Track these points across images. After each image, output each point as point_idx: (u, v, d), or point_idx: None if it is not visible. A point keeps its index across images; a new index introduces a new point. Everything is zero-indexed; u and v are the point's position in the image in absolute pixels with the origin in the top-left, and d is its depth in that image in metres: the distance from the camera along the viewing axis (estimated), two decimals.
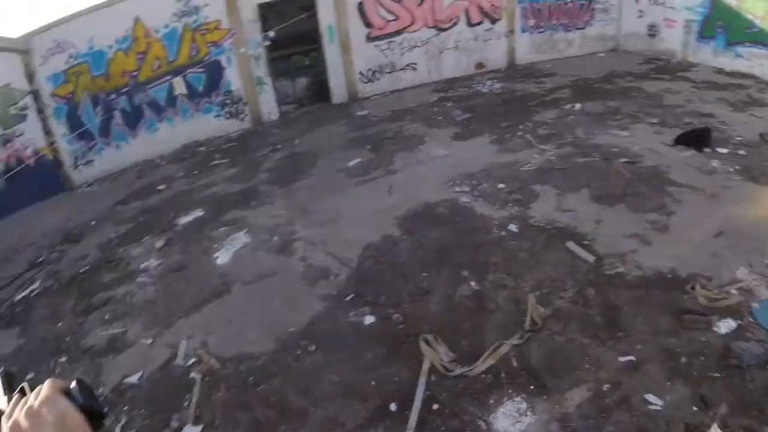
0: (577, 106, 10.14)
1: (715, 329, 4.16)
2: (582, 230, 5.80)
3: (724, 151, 7.35)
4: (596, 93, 11.04)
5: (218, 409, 4.27)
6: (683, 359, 3.89)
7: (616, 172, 7.02)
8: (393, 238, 6.23)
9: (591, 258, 5.26)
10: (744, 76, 11.49)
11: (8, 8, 11.88)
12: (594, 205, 6.34)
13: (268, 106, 13.37)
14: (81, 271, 7.35)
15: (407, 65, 14.21)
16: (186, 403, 4.40)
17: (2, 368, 0.95)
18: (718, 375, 3.71)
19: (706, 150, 7.47)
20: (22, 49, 11.37)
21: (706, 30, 13.41)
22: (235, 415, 4.20)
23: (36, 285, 7.35)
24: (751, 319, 4.23)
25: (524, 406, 3.76)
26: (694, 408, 3.47)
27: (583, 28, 15.76)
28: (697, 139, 7.69)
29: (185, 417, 4.27)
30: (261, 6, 12.45)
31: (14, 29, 11.34)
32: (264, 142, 11.44)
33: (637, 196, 6.38)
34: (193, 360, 4.91)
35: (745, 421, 3.35)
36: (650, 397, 3.60)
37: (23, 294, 7.21)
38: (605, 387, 3.75)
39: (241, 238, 7.03)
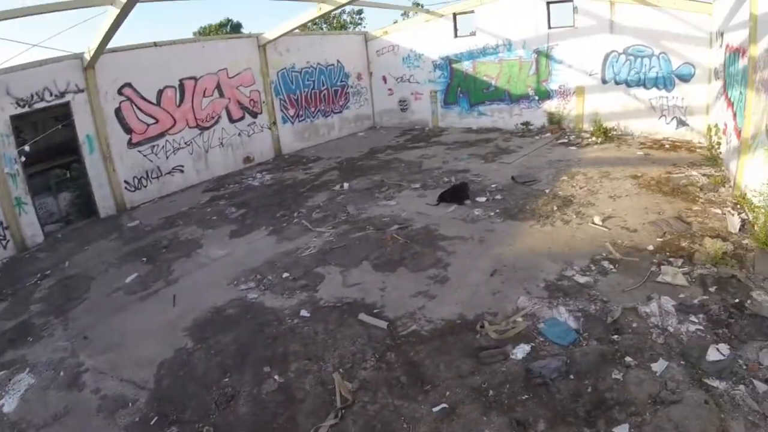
0: (345, 185, 10.79)
1: (513, 357, 4.66)
2: (370, 300, 6.17)
3: (483, 199, 8.43)
4: (361, 170, 11.83)
5: None
6: (491, 392, 4.26)
7: (390, 240, 7.52)
8: (186, 350, 6.05)
9: (384, 324, 5.60)
10: (489, 130, 13.19)
11: None
12: (377, 274, 6.79)
13: (31, 228, 12.15)
14: None
15: (174, 168, 14.03)
16: None
17: None
18: (528, 396, 4.13)
19: (467, 202, 8.49)
20: None
21: (450, 97, 15.88)
22: None
23: None
24: (542, 339, 4.83)
25: None
26: None
27: (341, 112, 17.27)
28: (457, 194, 8.67)
29: None
30: (13, 118, 11.45)
31: None
32: (31, 270, 10.43)
33: (414, 257, 7.01)
34: None
35: (564, 429, 3.77)
36: None
37: None
38: None
39: (25, 380, 6.28)
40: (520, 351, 4.74)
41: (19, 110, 11.43)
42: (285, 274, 7.29)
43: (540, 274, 6.02)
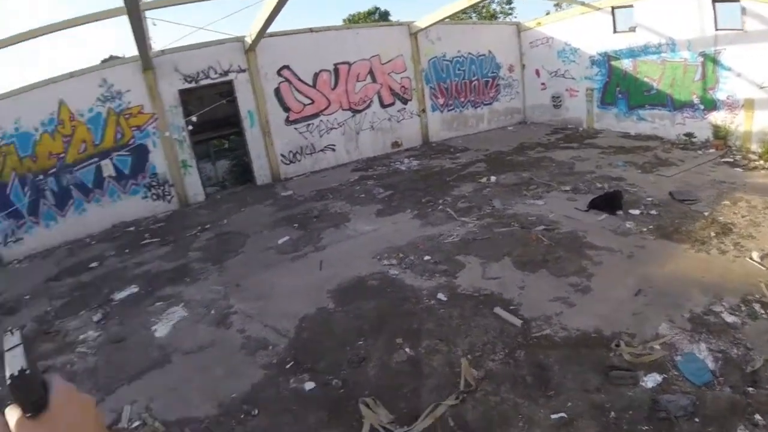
0: (492, 178, 10.75)
1: (642, 384, 4.41)
2: (508, 296, 6.13)
3: (636, 212, 8.00)
4: (509, 165, 11.73)
5: None
6: (613, 414, 4.08)
7: (535, 240, 7.46)
8: (328, 310, 6.42)
9: (518, 322, 5.54)
10: (648, 138, 12.44)
11: None
12: (517, 271, 6.72)
13: (194, 187, 13.47)
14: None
15: (326, 146, 14.79)
16: None
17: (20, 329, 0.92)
18: (648, 428, 3.91)
19: (619, 213, 8.05)
20: None
21: (607, 97, 14.59)
22: None
23: None
24: (675, 372, 4.51)
25: None
26: None
27: (491, 104, 16.96)
28: (609, 202, 8.25)
29: None
30: (181, 92, 12.81)
31: None
32: (192, 222, 11.48)
33: (557, 261, 6.82)
34: (137, 423, 4.93)
35: None
36: None
37: None
38: None
39: (179, 312, 7.06)
40: (651, 380, 4.47)
41: (187, 85, 12.82)
42: (426, 257, 7.45)
43: (686, 304, 5.55)
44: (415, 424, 4.30)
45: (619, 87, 14.44)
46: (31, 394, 0.81)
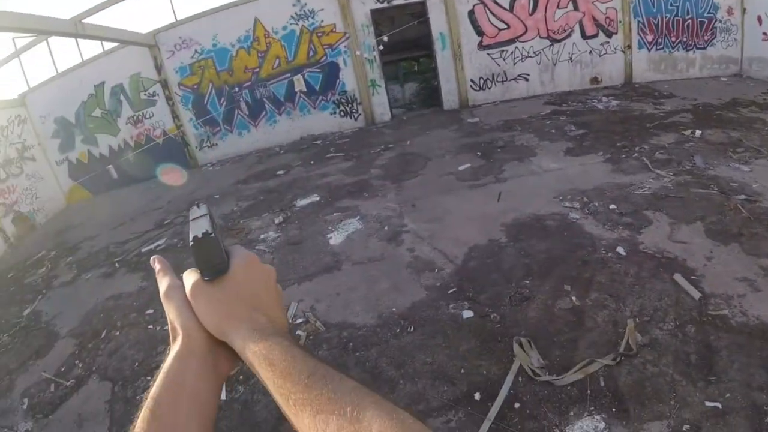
0: (697, 132, 9.81)
1: None
2: (692, 264, 5.62)
3: None
4: (717, 121, 10.61)
5: None
6: None
7: (733, 209, 6.78)
8: (499, 243, 6.36)
9: (697, 294, 5.08)
10: None
11: (138, 6, 13.10)
12: (707, 240, 6.10)
13: (381, 107, 13.82)
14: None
15: (520, 75, 14.21)
16: None
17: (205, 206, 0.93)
18: None
19: None
20: (150, 43, 12.75)
21: None
22: None
23: (161, 241, 8.42)
24: None
25: (602, 425, 3.78)
26: None
27: (704, 48, 14.89)
28: None
29: None
30: (373, 12, 12.96)
31: (143, 26, 12.68)
32: (377, 141, 11.85)
33: (752, 237, 6.04)
34: (301, 320, 5.39)
35: None
36: None
37: (149, 247, 8.27)
38: (685, 428, 3.68)
39: (354, 224, 7.46)
40: None
41: (379, 5, 12.92)
42: (612, 206, 7.04)
43: None
44: (564, 375, 4.20)
45: None
46: (212, 257, 0.82)
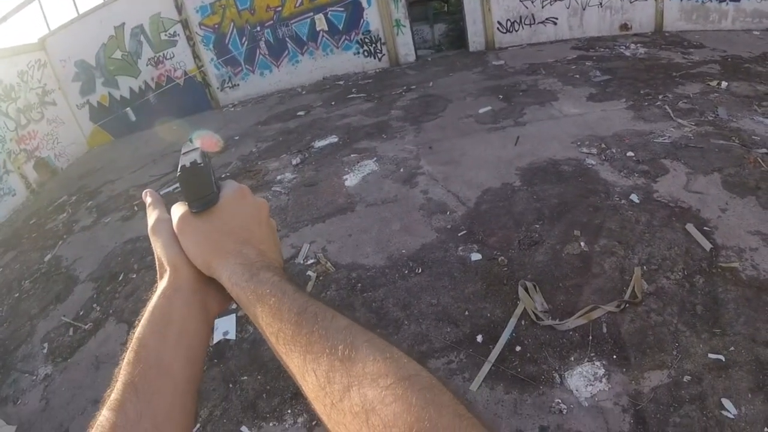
0: (724, 84, 9.56)
1: None
2: (705, 215, 5.55)
3: None
4: (745, 73, 10.28)
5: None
6: None
7: (753, 162, 6.67)
8: (512, 187, 6.37)
9: (708, 245, 5.02)
10: None
11: None
12: (723, 191, 5.99)
13: (406, 48, 13.62)
14: (222, 176, 8.14)
15: (548, 19, 13.79)
16: None
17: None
18: None
19: None
20: None
21: None
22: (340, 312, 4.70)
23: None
24: None
25: (601, 372, 3.82)
26: (766, 429, 3.33)
27: (738, 1, 14.43)
28: None
29: None
30: None
31: None
32: (399, 82, 11.76)
33: None
34: (311, 260, 5.50)
35: None
36: (726, 403, 3.49)
37: (167, 190, 8.34)
38: (686, 378, 3.70)
39: (370, 166, 7.50)
40: None
41: None
42: (629, 153, 6.94)
43: None
44: (567, 320, 4.24)
45: None
46: (199, 188, 0.78)
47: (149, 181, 9.24)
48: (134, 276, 6.23)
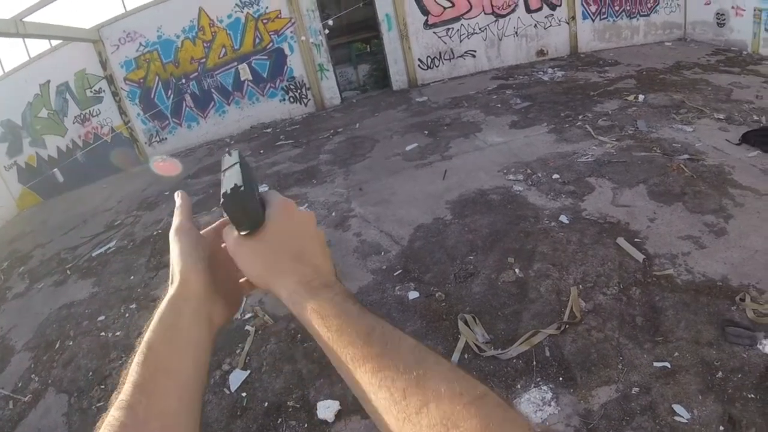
0: (641, 97, 9.93)
1: (759, 347, 3.97)
2: (635, 227, 5.70)
3: None
4: (661, 84, 10.75)
5: (266, 359, 4.70)
6: (720, 374, 3.75)
7: (676, 169, 6.86)
8: (444, 221, 6.39)
9: (641, 257, 5.14)
10: None
11: (79, 1, 12.79)
12: (650, 201, 6.20)
13: (330, 91, 13.74)
14: (154, 233, 8.17)
15: (466, 52, 14.18)
16: (238, 351, 4.89)
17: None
18: (754, 396, 3.55)
19: None
20: (94, 38, 12.43)
21: None
22: (281, 365, 4.60)
23: (112, 244, 8.29)
24: None
25: (549, 396, 3.80)
26: (721, 428, 3.37)
27: (648, 15, 15.11)
28: (764, 138, 7.35)
29: (236, 362, 4.76)
30: None
31: (86, 20, 12.34)
32: (326, 126, 11.82)
33: (696, 195, 6.16)
34: (249, 315, 5.36)
35: None
36: (678, 408, 3.52)
37: (100, 251, 8.14)
38: (634, 390, 3.71)
39: None
40: None
41: None
42: (555, 176, 7.10)
43: None
44: (509, 348, 4.23)
45: None
46: (244, 211, 0.78)
47: (80, 242, 8.92)
48: (71, 343, 5.94)
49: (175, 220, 0.89)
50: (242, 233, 0.79)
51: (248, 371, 4.60)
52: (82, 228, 9.78)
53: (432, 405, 0.54)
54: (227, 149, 0.89)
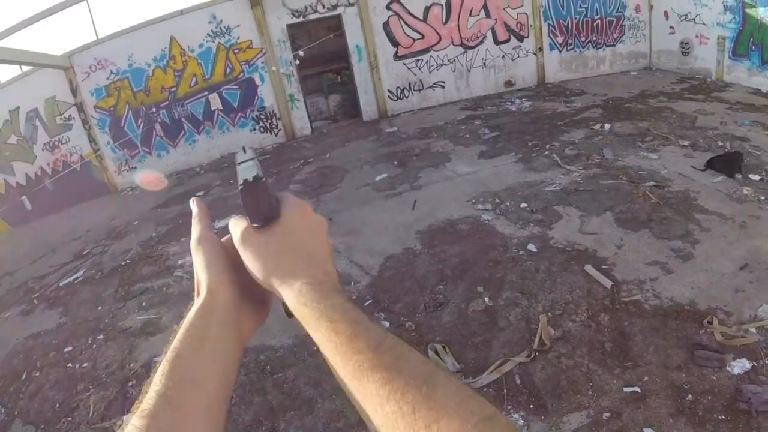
0: (607, 126, 10.11)
1: (728, 369, 4.01)
2: (602, 254, 5.77)
3: (757, 177, 7.12)
4: (627, 113, 10.97)
5: (236, 391, 4.55)
6: (690, 396, 3.78)
7: (642, 196, 6.97)
8: (414, 251, 6.41)
9: (608, 283, 5.20)
10: None
11: (51, 28, 12.68)
12: (617, 228, 6.29)
13: (301, 121, 13.77)
14: (123, 263, 8.01)
15: (436, 83, 14.34)
16: None
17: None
18: (724, 418, 3.59)
19: (738, 176, 7.22)
20: (65, 65, 12.25)
21: (740, 48, 12.78)
22: (251, 397, 4.52)
23: (80, 273, 8.14)
24: (767, 362, 4.05)
25: (521, 423, 3.81)
26: None
27: (614, 45, 15.48)
28: (728, 163, 7.46)
29: None
30: (289, 26, 12.95)
31: (57, 47, 12.24)
32: (296, 155, 11.81)
33: (662, 221, 6.29)
34: None
35: None
36: None
37: (67, 280, 7.98)
38: (605, 416, 3.73)
39: None
40: (739, 366, 3.99)
41: (295, 20, 12.90)
42: (523, 204, 7.19)
43: None
44: (480, 377, 4.23)
45: (753, 38, 12.37)
46: (262, 202, 0.77)
47: (48, 271, 8.71)
48: (38, 374, 5.77)
49: (195, 230, 0.86)
50: (255, 225, 0.77)
51: None
52: (50, 257, 9.58)
53: (443, 422, 0.53)
54: (243, 146, 0.92)
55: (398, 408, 0.56)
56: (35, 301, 7.72)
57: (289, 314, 0.74)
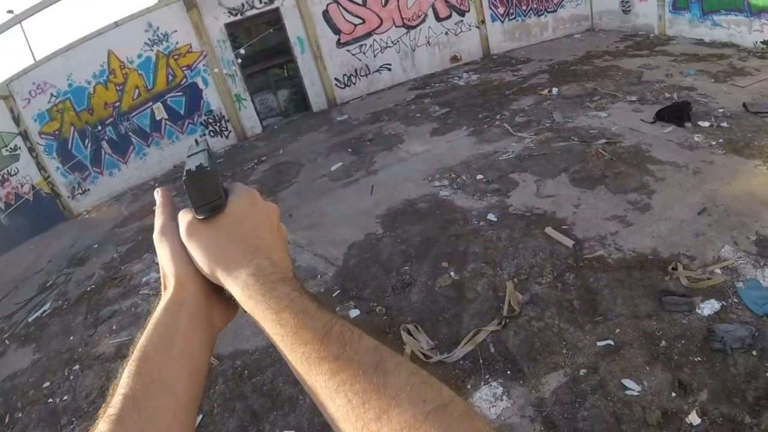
0: (554, 90, 10.19)
1: (698, 311, 4.08)
2: (561, 215, 5.85)
3: (706, 124, 7.26)
4: (573, 75, 11.08)
5: (217, 400, 4.56)
6: (663, 343, 3.85)
7: (595, 154, 7.04)
8: (376, 235, 6.41)
9: (570, 242, 5.27)
10: (724, 45, 11.36)
11: None
12: (574, 189, 6.38)
13: (250, 120, 13.59)
14: (88, 289, 7.83)
15: (382, 66, 14.27)
16: None
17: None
18: (700, 359, 3.65)
19: (687, 125, 7.33)
20: (4, 94, 11.86)
21: (680, 1, 13.01)
22: (232, 404, 4.49)
23: (47, 306, 7.92)
24: (736, 300, 4.14)
25: (500, 390, 3.84)
26: (673, 394, 3.45)
27: (555, 11, 15.56)
28: (677, 114, 7.56)
29: None
30: (228, 26, 12.72)
31: None
32: (249, 156, 11.68)
33: (617, 177, 6.39)
34: None
35: (726, 408, 3.29)
36: (627, 382, 3.60)
37: (36, 315, 7.78)
38: (582, 372, 3.78)
39: None
40: (708, 307, 4.08)
41: (232, 18, 12.67)
42: (479, 176, 7.22)
43: (754, 225, 4.97)
44: (454, 351, 4.26)
45: None
46: (206, 193, 0.73)
47: (15, 309, 8.44)
48: (20, 415, 5.64)
49: (157, 221, 0.82)
50: (199, 217, 0.74)
51: (200, 416, 4.43)
52: (14, 294, 9.29)
53: (394, 412, 0.51)
54: (196, 138, 0.89)
55: (347, 401, 0.54)
56: (7, 341, 7.48)
57: None
